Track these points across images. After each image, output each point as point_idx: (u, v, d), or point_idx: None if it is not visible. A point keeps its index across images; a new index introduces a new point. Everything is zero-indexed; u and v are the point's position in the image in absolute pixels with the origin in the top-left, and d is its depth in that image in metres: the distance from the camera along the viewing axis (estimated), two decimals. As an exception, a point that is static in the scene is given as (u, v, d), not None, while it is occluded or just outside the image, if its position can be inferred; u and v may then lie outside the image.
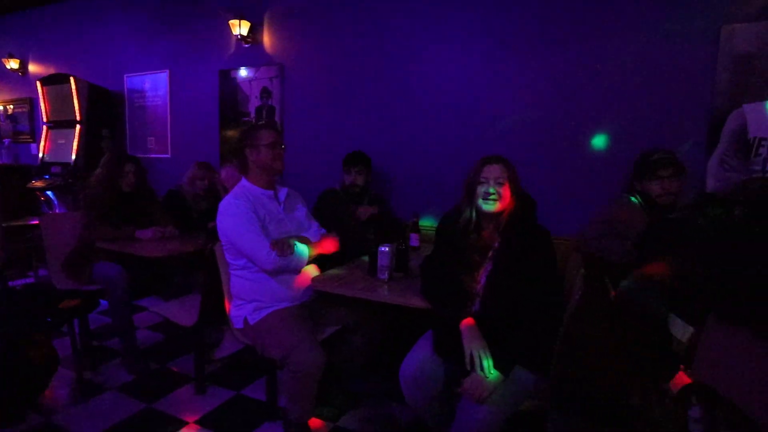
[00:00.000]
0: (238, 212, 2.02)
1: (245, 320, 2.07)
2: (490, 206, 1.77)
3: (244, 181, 2.18)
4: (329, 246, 2.22)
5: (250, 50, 3.66)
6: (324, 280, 2.09)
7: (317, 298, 2.23)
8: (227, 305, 2.20)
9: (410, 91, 3.14)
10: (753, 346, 0.96)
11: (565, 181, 2.70)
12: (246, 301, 2.09)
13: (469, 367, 1.62)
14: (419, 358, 1.77)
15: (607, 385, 1.57)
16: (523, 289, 1.68)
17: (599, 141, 2.67)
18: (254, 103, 3.66)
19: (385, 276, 2.11)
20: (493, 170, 1.79)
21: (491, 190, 1.76)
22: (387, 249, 2.10)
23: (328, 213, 2.81)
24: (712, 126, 2.43)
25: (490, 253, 1.80)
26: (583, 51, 2.64)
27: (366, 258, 2.49)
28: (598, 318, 1.59)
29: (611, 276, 1.88)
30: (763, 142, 2.35)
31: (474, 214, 1.83)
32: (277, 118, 3.59)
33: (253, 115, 3.69)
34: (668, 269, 1.50)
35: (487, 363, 1.59)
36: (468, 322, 1.70)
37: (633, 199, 2.34)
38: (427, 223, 3.06)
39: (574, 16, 2.66)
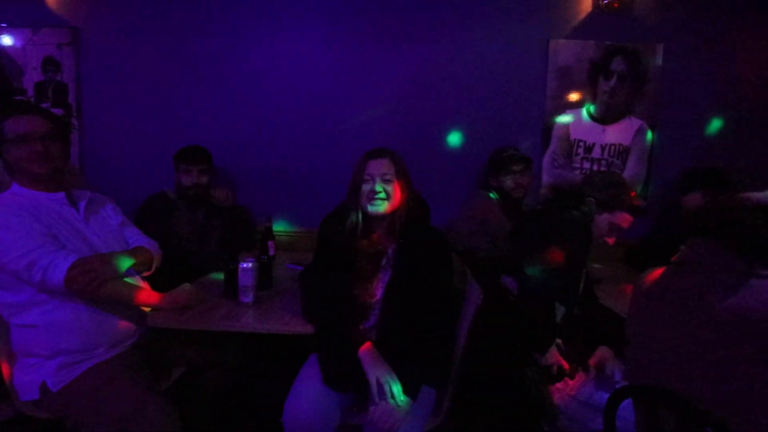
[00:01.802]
0: (3, 223, 1.38)
1: (43, 387, 1.42)
2: (378, 207, 1.55)
3: (15, 186, 1.51)
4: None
5: (23, 3, 2.67)
6: (164, 314, 1.58)
7: (154, 334, 1.70)
8: (5, 371, 1.49)
9: (255, 78, 2.71)
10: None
11: (424, 176, 2.67)
12: (43, 358, 1.44)
13: (377, 399, 1.38)
14: (307, 395, 1.45)
15: (504, 378, 1.53)
16: (424, 299, 1.51)
17: (455, 138, 2.72)
18: (33, 77, 2.70)
19: (250, 298, 1.71)
20: (378, 166, 1.57)
21: (378, 188, 1.54)
22: (250, 265, 1.70)
23: (156, 224, 2.22)
24: (545, 128, 2.71)
25: (384, 261, 1.59)
26: (439, 50, 2.66)
27: (215, 276, 2.03)
28: (498, 317, 1.53)
29: (478, 270, 1.89)
30: (580, 143, 2.71)
31: (361, 216, 1.59)
32: (70, 100, 2.71)
33: (31, 93, 2.71)
34: (560, 257, 1.54)
35: (396, 389, 1.38)
36: (367, 347, 1.46)
37: (491, 195, 2.43)
38: (280, 227, 2.70)
39: (429, 15, 2.65)
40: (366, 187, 1.57)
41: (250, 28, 2.67)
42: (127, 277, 1.56)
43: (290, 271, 2.19)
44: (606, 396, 1.48)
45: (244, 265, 1.70)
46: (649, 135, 2.70)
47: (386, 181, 1.56)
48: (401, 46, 2.66)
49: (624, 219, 1.68)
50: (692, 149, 2.70)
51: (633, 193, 1.70)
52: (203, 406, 1.67)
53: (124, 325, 1.56)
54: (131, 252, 1.61)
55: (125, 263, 1.53)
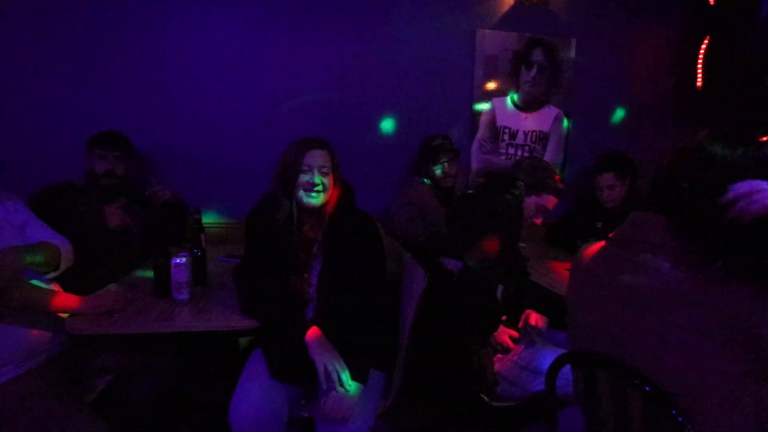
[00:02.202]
0: None
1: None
2: (315, 199, 1.53)
3: None
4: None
5: None
6: (86, 319, 1.44)
7: (75, 342, 1.54)
8: None
9: (179, 62, 2.50)
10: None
11: (359, 163, 2.66)
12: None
13: (325, 385, 1.37)
14: (253, 391, 1.41)
15: (453, 357, 1.59)
16: (359, 284, 1.52)
17: (388, 125, 2.74)
18: None
19: (185, 295, 1.61)
20: (317, 157, 1.54)
21: (317, 181, 1.52)
22: (184, 260, 1.60)
23: (65, 216, 1.99)
24: (473, 115, 2.81)
25: (315, 249, 1.57)
26: (371, 38, 2.64)
27: (142, 274, 1.89)
28: (443, 298, 1.58)
29: (419, 254, 1.94)
30: (505, 130, 2.86)
31: (295, 207, 1.55)
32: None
33: None
34: (498, 245, 1.61)
35: (345, 376, 1.38)
36: (313, 332, 1.44)
37: (425, 180, 2.49)
38: (209, 219, 2.56)
39: (362, 3, 2.62)
40: (304, 178, 1.53)
41: (177, 10, 2.46)
42: (33, 280, 1.40)
43: (224, 265, 2.09)
44: (544, 359, 1.63)
45: (178, 261, 1.59)
46: (566, 122, 2.91)
47: (324, 174, 1.54)
48: (333, 34, 2.61)
49: (550, 201, 1.79)
50: (602, 135, 2.96)
51: (557, 177, 1.82)
52: (137, 415, 1.55)
53: (37, 335, 1.40)
54: (32, 247, 1.43)
55: (28, 257, 1.37)
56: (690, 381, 0.88)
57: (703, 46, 2.73)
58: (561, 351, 1.59)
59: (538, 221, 1.84)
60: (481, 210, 1.76)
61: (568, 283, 1.20)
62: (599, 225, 2.17)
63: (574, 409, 1.27)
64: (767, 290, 0.83)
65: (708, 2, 2.66)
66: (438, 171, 2.47)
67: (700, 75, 2.75)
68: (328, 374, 1.37)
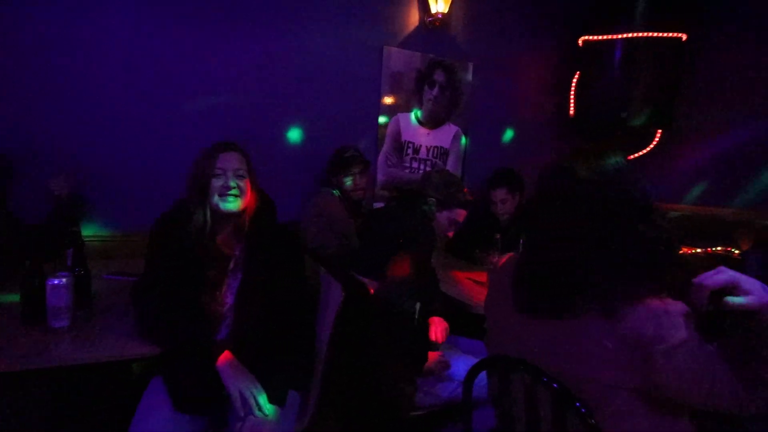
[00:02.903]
0: None
1: None
2: (231, 204, 1.44)
3: None
4: None
5: None
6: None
7: None
8: None
9: (60, 57, 2.15)
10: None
11: (266, 172, 2.53)
12: None
13: (241, 412, 1.28)
14: (154, 426, 1.26)
15: (379, 382, 1.58)
16: (280, 300, 1.46)
17: (297, 134, 2.67)
18: None
19: (65, 322, 1.39)
20: (230, 159, 1.46)
21: (232, 184, 1.43)
22: (64, 281, 1.38)
23: None
24: (380, 128, 2.87)
25: (232, 264, 1.48)
26: (282, 43, 2.56)
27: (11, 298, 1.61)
28: (361, 317, 1.57)
29: (331, 267, 1.92)
30: (409, 144, 2.97)
31: (209, 215, 1.44)
32: None
33: None
34: (412, 263, 1.64)
35: (263, 399, 1.30)
36: (225, 357, 1.34)
37: (334, 192, 2.47)
38: (89, 231, 2.24)
39: (274, 6, 2.52)
40: (217, 183, 1.44)
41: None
42: None
43: (111, 283, 1.85)
44: (456, 367, 1.70)
45: (56, 282, 1.36)
46: (464, 140, 3.11)
47: (239, 177, 1.46)
48: (242, 35, 2.47)
49: (460, 214, 1.88)
50: (495, 152, 3.23)
51: (465, 189, 1.93)
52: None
53: None
54: None
55: None
56: (590, 391, 0.98)
57: (575, 80, 3.13)
58: (471, 358, 1.69)
59: (450, 234, 1.93)
60: (393, 227, 1.78)
61: (486, 293, 1.27)
62: (497, 236, 2.35)
63: (487, 409, 1.34)
64: (662, 310, 0.92)
65: (578, 44, 3.06)
66: (349, 182, 2.47)
67: (572, 103, 3.14)
68: (244, 400, 1.28)
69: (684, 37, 2.75)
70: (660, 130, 2.99)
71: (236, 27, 2.46)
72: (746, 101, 2.72)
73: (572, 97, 3.13)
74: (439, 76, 2.96)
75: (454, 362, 1.70)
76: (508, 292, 1.15)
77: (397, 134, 2.92)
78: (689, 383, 0.91)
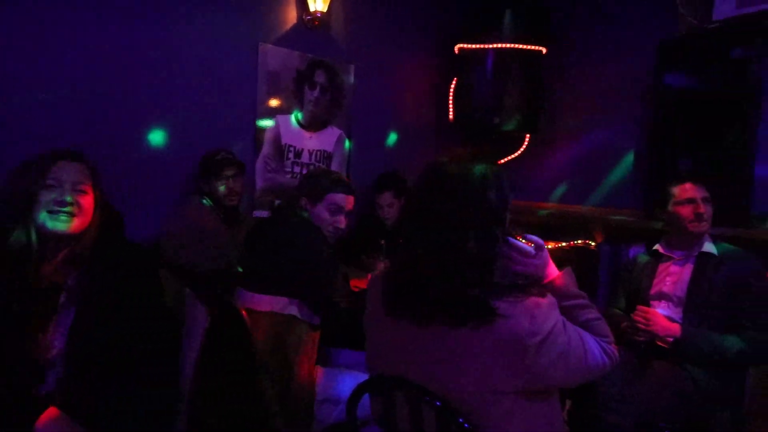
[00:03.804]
0: None
1: None
2: (63, 225, 1.18)
3: None
4: None
5: None
6: None
7: None
8: None
9: None
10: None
11: (121, 181, 2.21)
12: None
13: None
14: None
15: (250, 414, 1.42)
16: (126, 339, 1.22)
17: (159, 136, 2.36)
18: None
19: None
20: (70, 170, 1.21)
21: (68, 200, 1.17)
22: None
23: None
24: (257, 131, 2.67)
25: (63, 297, 1.21)
26: (143, 33, 2.24)
27: None
28: (232, 337, 1.40)
29: (201, 288, 1.72)
30: (290, 148, 2.81)
31: (34, 236, 1.17)
32: None
33: None
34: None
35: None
36: (50, 414, 1.08)
37: (204, 201, 2.23)
38: None
39: None
40: (47, 196, 1.17)
41: None
42: None
43: None
44: (342, 386, 1.60)
45: None
46: (347, 143, 3.05)
47: (79, 192, 1.20)
48: (91, 18, 2.11)
49: (337, 198, 1.73)
50: (379, 156, 3.21)
51: (339, 175, 1.84)
52: None
53: None
54: None
55: None
56: (477, 399, 0.96)
57: (453, 85, 3.24)
58: (357, 374, 1.61)
59: (342, 224, 1.79)
60: (284, 242, 1.66)
61: (366, 307, 1.19)
62: (382, 242, 2.32)
63: (374, 428, 1.27)
64: (539, 311, 0.95)
65: (454, 51, 3.18)
66: (222, 188, 2.24)
67: (451, 108, 3.25)
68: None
69: (544, 50, 2.99)
70: (528, 135, 3.23)
71: (83, 10, 2.10)
72: (595, 111, 3.05)
73: (451, 102, 3.23)
74: (319, 77, 2.86)
75: (339, 381, 1.60)
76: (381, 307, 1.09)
77: (277, 137, 2.75)
78: (565, 365, 0.96)
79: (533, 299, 0.96)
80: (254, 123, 2.66)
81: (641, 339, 1.81)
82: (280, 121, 2.75)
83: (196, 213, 2.14)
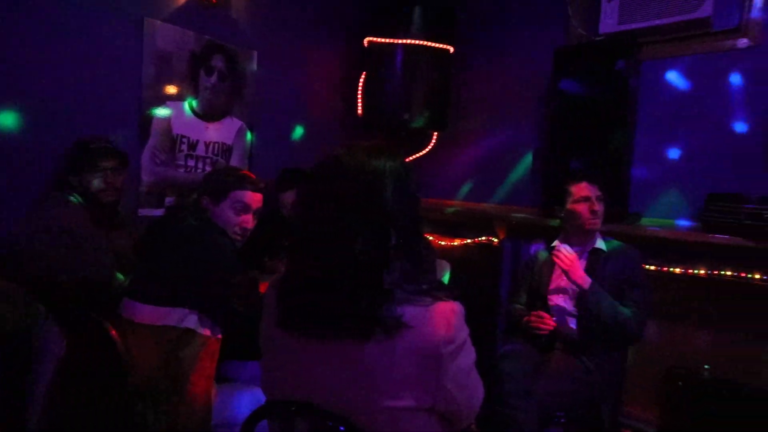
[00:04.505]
0: None
1: None
2: None
3: None
4: None
5: None
6: None
7: None
8: None
9: None
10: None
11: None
12: None
13: None
14: None
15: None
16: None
17: (9, 119, 1.96)
18: None
19: None
20: None
21: None
22: None
23: None
24: (143, 118, 2.35)
25: None
26: None
27: None
28: (96, 373, 1.18)
29: (61, 303, 1.47)
30: (183, 139, 2.53)
31: None
32: None
33: None
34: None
35: None
36: None
37: (72, 198, 1.91)
38: None
39: None
40: None
41: None
42: None
43: None
44: (239, 405, 1.44)
45: None
46: (249, 136, 2.83)
47: None
48: None
49: (243, 196, 1.59)
50: (284, 151, 3.03)
51: (243, 171, 1.68)
52: None
53: None
54: None
55: None
56: (388, 419, 0.88)
57: (362, 79, 3.16)
58: (256, 390, 1.46)
59: (249, 224, 1.64)
60: (184, 247, 1.46)
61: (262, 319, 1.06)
62: (286, 243, 2.16)
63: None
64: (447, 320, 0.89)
65: (363, 44, 3.10)
66: (97, 182, 1.92)
67: (360, 103, 3.17)
68: None
69: (452, 49, 3.03)
70: (436, 133, 3.26)
71: None
72: (498, 111, 3.17)
73: (360, 96, 3.15)
74: (218, 61, 2.60)
75: (236, 401, 1.44)
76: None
77: (167, 127, 2.45)
78: (461, 383, 0.90)
79: (447, 304, 0.90)
80: (139, 109, 2.34)
81: (542, 333, 1.89)
82: (172, 109, 2.46)
83: (60, 212, 1.81)
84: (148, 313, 1.40)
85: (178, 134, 2.50)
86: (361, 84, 3.14)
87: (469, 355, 0.93)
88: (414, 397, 0.87)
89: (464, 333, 0.90)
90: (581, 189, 2.01)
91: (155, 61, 2.36)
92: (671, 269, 2.41)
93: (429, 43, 2.91)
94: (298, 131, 3.14)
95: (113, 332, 1.22)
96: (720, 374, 2.23)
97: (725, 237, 2.13)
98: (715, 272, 2.29)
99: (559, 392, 1.78)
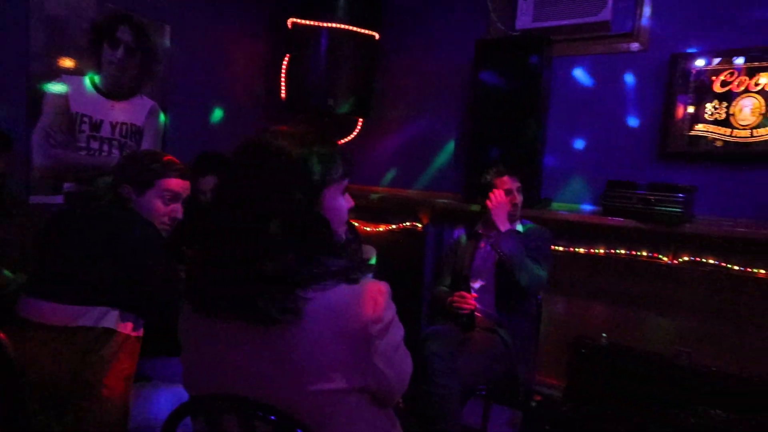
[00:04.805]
0: None
1: None
2: None
3: None
4: None
5: None
6: None
7: None
8: None
9: None
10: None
11: None
12: None
13: None
14: None
15: None
16: None
17: None
18: None
19: None
20: None
21: None
22: None
23: None
24: (33, 94, 2.08)
25: None
26: None
27: None
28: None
29: None
30: (84, 119, 2.29)
31: None
32: None
33: None
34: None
35: None
36: None
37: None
38: None
39: None
40: None
41: None
42: None
43: None
44: (158, 405, 1.35)
45: None
46: (162, 117, 2.62)
47: None
48: None
49: (171, 183, 1.49)
50: (202, 134, 2.86)
51: (168, 157, 1.56)
52: None
53: None
54: None
55: None
56: (321, 402, 0.87)
57: (285, 62, 3.06)
58: (177, 388, 1.38)
59: (179, 214, 1.53)
60: (106, 241, 1.32)
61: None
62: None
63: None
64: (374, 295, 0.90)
65: (287, 25, 2.99)
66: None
67: (284, 86, 3.07)
68: None
69: (377, 36, 3.03)
70: (361, 120, 3.26)
71: None
72: (422, 99, 3.23)
73: (283, 79, 3.05)
74: (124, 34, 2.37)
75: (155, 401, 1.35)
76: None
77: (64, 104, 2.20)
78: (391, 360, 0.92)
79: (374, 284, 0.91)
80: (26, 84, 2.07)
81: (464, 312, 1.98)
82: (69, 84, 2.20)
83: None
84: (57, 313, 1.26)
85: (77, 113, 2.25)
86: (284, 67, 3.03)
87: (397, 332, 0.95)
88: (345, 379, 0.88)
89: (392, 311, 0.92)
90: (504, 182, 2.14)
91: (45, 28, 2.09)
92: (576, 249, 2.65)
93: (354, 28, 2.88)
94: (217, 114, 2.97)
95: (3, 336, 1.07)
96: (615, 341, 2.51)
97: (620, 219, 2.38)
98: (612, 251, 2.56)
99: (481, 368, 1.90)
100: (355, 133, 3.29)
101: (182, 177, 1.53)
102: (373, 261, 2.70)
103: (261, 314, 0.84)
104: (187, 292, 0.93)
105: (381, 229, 3.34)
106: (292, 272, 0.85)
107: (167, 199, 1.49)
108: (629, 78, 2.59)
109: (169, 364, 1.58)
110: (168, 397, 1.37)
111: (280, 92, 3.06)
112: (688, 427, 2.04)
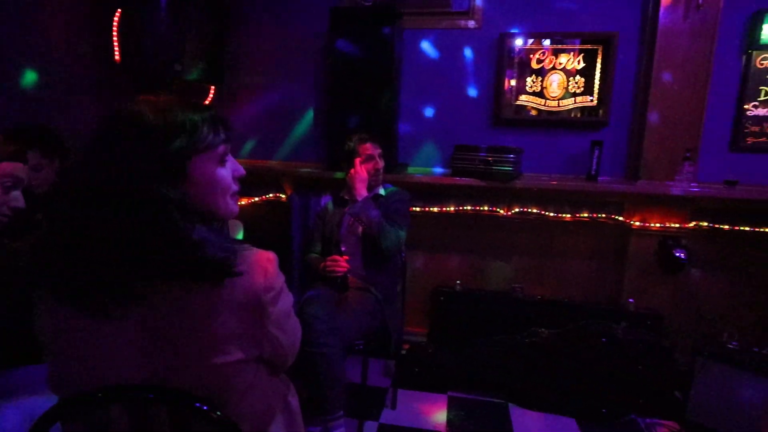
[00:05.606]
0: None
1: None
2: None
3: None
4: None
5: None
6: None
7: None
8: None
9: None
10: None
11: None
12: None
13: None
14: None
15: None
16: None
17: None
18: None
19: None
20: None
21: None
22: None
23: None
24: None
25: None
26: None
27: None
28: None
29: None
30: None
31: None
32: None
33: None
34: None
35: None
36: None
37: None
38: None
39: None
40: None
41: None
42: None
43: None
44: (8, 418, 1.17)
45: None
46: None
47: None
48: None
49: (10, 167, 1.31)
50: (14, 103, 2.36)
51: None
52: None
53: None
54: None
55: None
56: (219, 375, 0.87)
57: (116, 19, 2.67)
58: (21, 401, 1.21)
59: (21, 203, 1.36)
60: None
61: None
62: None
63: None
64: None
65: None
66: None
67: (117, 47, 2.69)
68: None
69: (223, -3, 2.82)
70: (213, 87, 3.04)
71: None
72: (279, 67, 3.14)
73: (116, 39, 2.67)
74: None
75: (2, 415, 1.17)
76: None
77: None
78: (284, 326, 0.96)
79: (263, 253, 0.93)
80: None
81: (338, 275, 2.08)
82: None
83: None
84: None
85: None
86: (116, 24, 2.65)
87: (288, 299, 0.98)
88: (242, 350, 0.89)
89: (281, 279, 0.95)
90: (366, 149, 2.25)
91: None
92: (431, 209, 2.94)
93: (199, -14, 2.63)
94: (30, 77, 2.48)
95: None
96: (467, 286, 2.89)
97: (467, 179, 2.71)
98: (460, 208, 2.91)
99: (358, 325, 2.03)
100: (207, 102, 3.07)
101: (14, 159, 1.31)
102: (239, 236, 2.65)
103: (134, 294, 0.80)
104: (54, 286, 0.82)
105: (243, 202, 3.23)
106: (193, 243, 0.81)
107: (8, 186, 1.32)
108: (468, 52, 2.89)
109: (11, 375, 1.37)
110: (14, 414, 1.19)
111: (114, 54, 2.68)
112: (524, 345, 2.50)
